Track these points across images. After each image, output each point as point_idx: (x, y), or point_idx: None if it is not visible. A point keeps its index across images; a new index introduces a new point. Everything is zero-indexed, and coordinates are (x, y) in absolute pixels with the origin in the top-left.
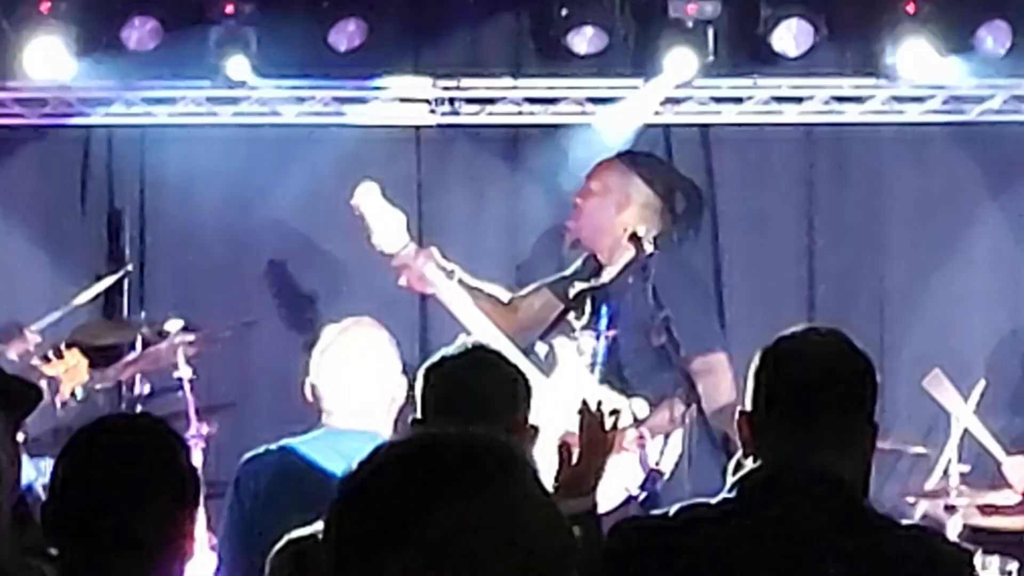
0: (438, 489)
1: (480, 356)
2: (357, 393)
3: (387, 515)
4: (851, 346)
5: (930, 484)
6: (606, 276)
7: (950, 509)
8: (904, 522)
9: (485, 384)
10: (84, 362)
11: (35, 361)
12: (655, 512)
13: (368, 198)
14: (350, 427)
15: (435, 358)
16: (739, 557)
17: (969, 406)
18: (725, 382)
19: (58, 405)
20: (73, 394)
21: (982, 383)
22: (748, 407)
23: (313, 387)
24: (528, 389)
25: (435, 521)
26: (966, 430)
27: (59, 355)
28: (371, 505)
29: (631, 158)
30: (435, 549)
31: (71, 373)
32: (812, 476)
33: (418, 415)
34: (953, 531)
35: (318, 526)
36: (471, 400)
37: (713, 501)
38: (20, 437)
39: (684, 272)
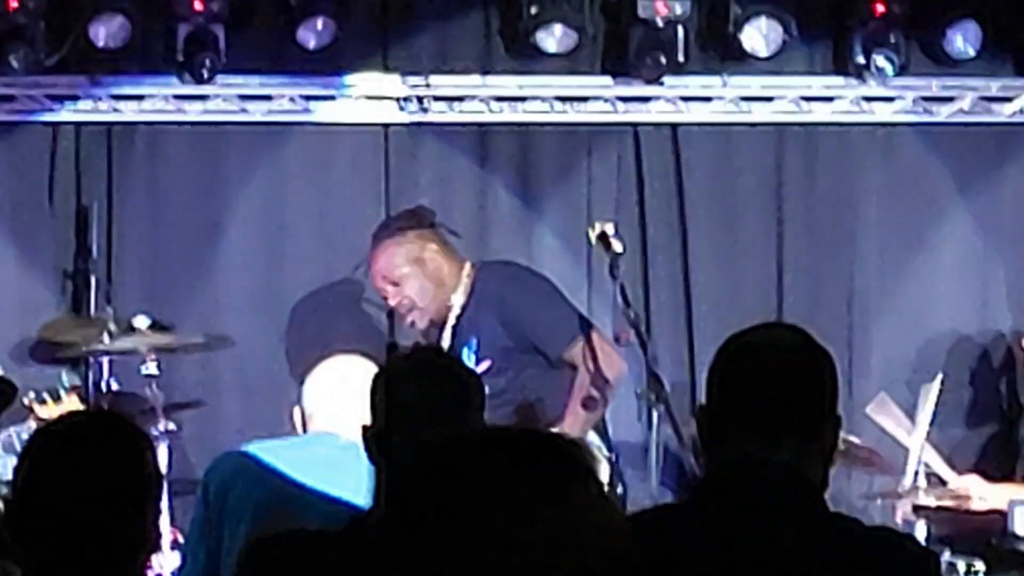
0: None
1: (433, 361)
2: (346, 421)
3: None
4: (808, 340)
5: (898, 484)
6: (449, 325)
7: (918, 510)
8: (868, 523)
9: (438, 390)
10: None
11: (28, 399)
12: None
13: None
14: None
15: (387, 364)
16: (697, 560)
17: (919, 427)
18: (604, 353)
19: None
20: None
21: (937, 386)
22: (707, 403)
23: (302, 415)
24: (482, 394)
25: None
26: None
27: (56, 398)
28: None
29: (386, 229)
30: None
31: None
32: (771, 474)
33: (369, 422)
34: (920, 532)
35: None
36: (424, 406)
37: (675, 503)
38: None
39: (519, 281)
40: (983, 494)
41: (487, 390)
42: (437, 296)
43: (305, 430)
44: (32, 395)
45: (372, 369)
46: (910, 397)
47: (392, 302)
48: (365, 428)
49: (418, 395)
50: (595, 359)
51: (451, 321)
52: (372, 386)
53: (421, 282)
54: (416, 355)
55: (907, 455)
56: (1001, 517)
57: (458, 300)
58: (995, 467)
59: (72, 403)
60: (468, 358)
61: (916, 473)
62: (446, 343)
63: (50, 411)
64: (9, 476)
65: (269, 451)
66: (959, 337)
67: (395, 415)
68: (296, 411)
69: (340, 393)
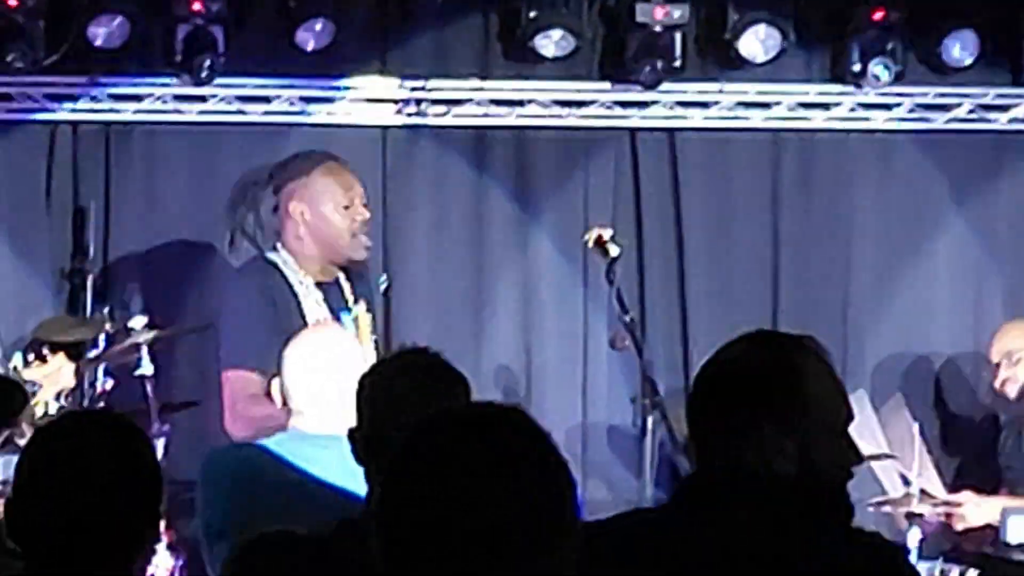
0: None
1: (415, 361)
2: (327, 395)
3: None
4: (801, 347)
5: (892, 491)
6: (346, 288)
7: (912, 517)
8: (856, 529)
9: (421, 389)
10: (70, 367)
11: (14, 363)
12: (589, 520)
13: None
14: (317, 430)
15: (370, 366)
16: (678, 567)
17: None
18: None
19: (36, 412)
20: (58, 396)
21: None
22: (687, 408)
23: (282, 387)
24: (468, 392)
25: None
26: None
27: (42, 358)
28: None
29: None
30: None
31: (53, 378)
32: (755, 480)
33: (354, 424)
34: (913, 539)
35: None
36: (410, 406)
37: (654, 507)
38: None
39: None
40: (974, 511)
41: None
42: None
43: (284, 404)
44: (17, 358)
45: (347, 338)
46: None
47: (366, 216)
48: (352, 430)
49: (404, 396)
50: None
51: (345, 283)
52: (359, 386)
53: None
54: (402, 356)
55: (905, 462)
56: (993, 529)
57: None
58: (988, 476)
59: (59, 361)
60: (360, 324)
61: (908, 482)
62: (350, 298)
63: (34, 373)
64: None
65: (274, 446)
66: (953, 347)
67: (382, 416)
68: (275, 384)
69: (320, 367)
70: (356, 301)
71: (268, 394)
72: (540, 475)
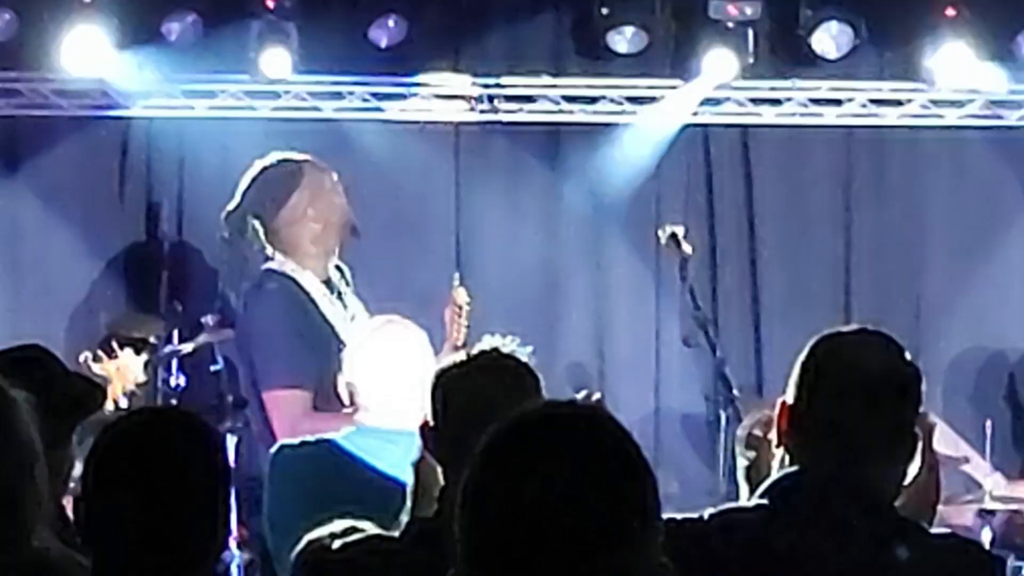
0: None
1: (490, 360)
2: (396, 391)
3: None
4: (900, 355)
5: (964, 490)
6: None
7: (984, 515)
8: (937, 530)
9: (496, 387)
10: (139, 361)
11: (85, 357)
12: (688, 516)
13: None
14: (385, 425)
15: (445, 364)
16: (777, 569)
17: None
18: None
19: (107, 406)
20: (127, 393)
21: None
22: (791, 399)
23: (348, 383)
24: (539, 390)
25: None
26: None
27: (111, 353)
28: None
29: None
30: None
31: (123, 372)
32: (856, 487)
33: (429, 421)
34: (986, 537)
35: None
36: (481, 404)
37: (748, 506)
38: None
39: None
40: None
41: None
42: None
43: (352, 402)
44: (87, 354)
45: (415, 333)
46: (973, 408)
47: None
48: (424, 425)
49: (480, 395)
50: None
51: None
52: (433, 383)
53: None
54: (478, 355)
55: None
56: None
57: None
58: None
59: (128, 355)
60: None
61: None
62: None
63: (105, 367)
64: None
65: (345, 441)
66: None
67: (458, 414)
68: (341, 380)
69: (387, 362)
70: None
71: (315, 407)
72: (623, 472)
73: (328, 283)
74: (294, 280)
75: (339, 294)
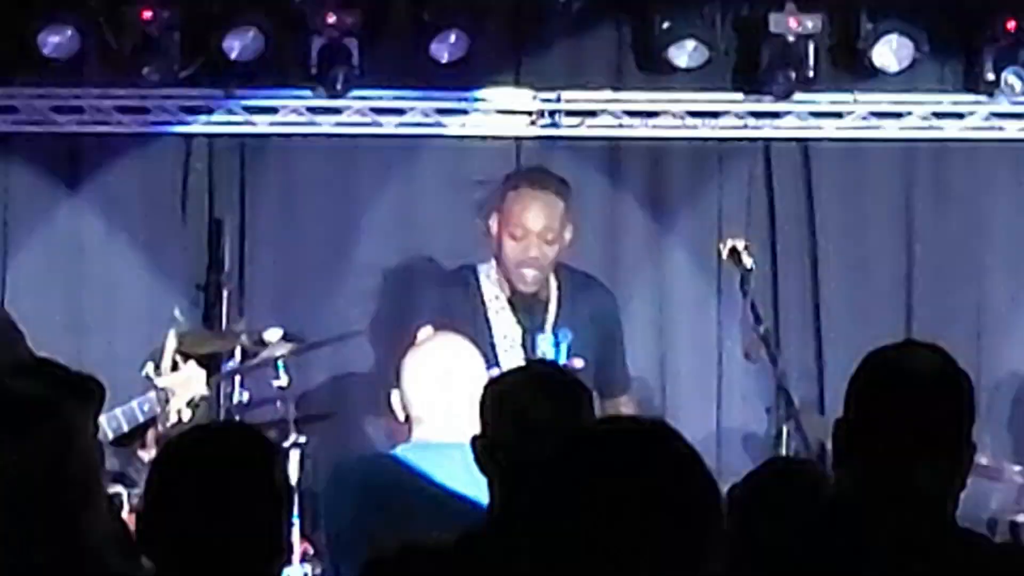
0: None
1: (540, 373)
2: (451, 404)
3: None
4: (951, 365)
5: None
6: (551, 309)
7: None
8: (997, 540)
9: (545, 401)
10: (202, 374)
11: (147, 370)
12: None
13: None
14: (441, 439)
15: (496, 376)
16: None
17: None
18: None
19: (169, 419)
20: (190, 404)
21: None
22: (845, 415)
23: (403, 397)
24: (591, 405)
25: None
26: None
27: (174, 367)
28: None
29: (547, 179)
30: None
31: (186, 385)
32: (911, 499)
33: (479, 432)
34: None
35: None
36: (538, 420)
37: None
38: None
39: (617, 307)
40: None
41: None
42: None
43: (406, 417)
44: (150, 365)
45: (468, 347)
46: None
47: (530, 253)
48: (475, 439)
49: (533, 409)
50: None
51: (553, 305)
52: (483, 396)
53: (561, 247)
54: (530, 369)
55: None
56: None
57: (554, 284)
58: None
59: (191, 368)
60: (560, 347)
61: None
62: (550, 320)
63: (167, 381)
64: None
65: (406, 455)
66: None
67: (509, 429)
68: (395, 395)
69: (441, 377)
70: (557, 326)
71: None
72: (689, 489)
73: (532, 302)
74: (478, 283)
75: (540, 319)
